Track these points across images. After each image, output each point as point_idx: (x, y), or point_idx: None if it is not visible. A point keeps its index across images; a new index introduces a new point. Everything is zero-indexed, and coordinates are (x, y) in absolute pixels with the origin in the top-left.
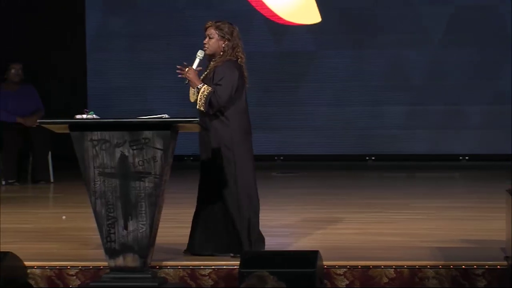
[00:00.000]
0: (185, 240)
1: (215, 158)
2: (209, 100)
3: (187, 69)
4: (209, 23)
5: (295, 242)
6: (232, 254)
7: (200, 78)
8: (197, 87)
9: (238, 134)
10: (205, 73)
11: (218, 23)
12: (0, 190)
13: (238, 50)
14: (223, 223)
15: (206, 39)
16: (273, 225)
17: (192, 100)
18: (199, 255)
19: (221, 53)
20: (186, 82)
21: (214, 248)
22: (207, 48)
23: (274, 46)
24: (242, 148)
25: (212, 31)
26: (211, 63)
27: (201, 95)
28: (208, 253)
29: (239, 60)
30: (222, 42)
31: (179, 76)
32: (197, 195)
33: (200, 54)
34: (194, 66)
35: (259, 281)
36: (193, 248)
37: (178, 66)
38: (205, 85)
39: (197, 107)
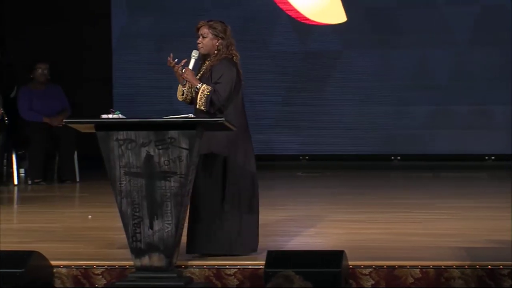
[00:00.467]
0: None
1: (214, 157)
2: (210, 99)
3: (183, 70)
4: (201, 23)
5: (320, 242)
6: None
7: (197, 78)
8: (196, 87)
9: (237, 133)
10: (201, 73)
11: (210, 22)
12: (26, 189)
13: (232, 48)
14: (220, 221)
15: (200, 39)
16: (298, 225)
17: (180, 99)
18: (202, 254)
19: (216, 52)
20: (184, 83)
21: (214, 248)
22: (202, 47)
23: (299, 45)
24: (241, 147)
25: (205, 30)
26: (206, 62)
27: (201, 95)
28: (208, 252)
29: (234, 58)
30: (216, 40)
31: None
32: (192, 194)
33: (195, 54)
34: (190, 66)
35: (286, 281)
36: (194, 248)
37: (169, 59)
38: (205, 85)
39: (197, 106)
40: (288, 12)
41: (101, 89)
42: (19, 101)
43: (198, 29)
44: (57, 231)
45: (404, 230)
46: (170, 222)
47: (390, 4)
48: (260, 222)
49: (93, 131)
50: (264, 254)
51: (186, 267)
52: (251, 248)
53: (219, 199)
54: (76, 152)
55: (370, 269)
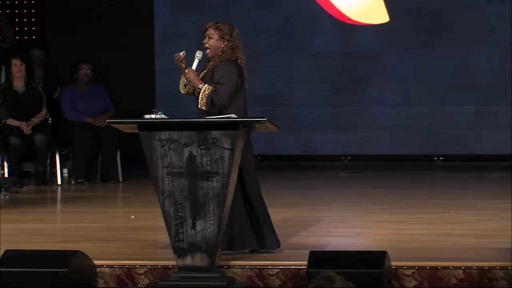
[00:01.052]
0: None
1: None
2: (211, 99)
3: (186, 70)
4: (209, 24)
5: (362, 242)
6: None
7: (199, 78)
8: (198, 87)
9: None
10: (204, 72)
11: (218, 24)
12: (69, 189)
13: (238, 51)
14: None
15: (206, 39)
16: (340, 225)
17: (182, 91)
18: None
19: (220, 53)
20: (187, 83)
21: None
22: (207, 47)
23: (340, 46)
24: (248, 147)
25: (212, 31)
26: (210, 62)
27: (202, 95)
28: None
29: (239, 61)
30: (221, 42)
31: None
32: None
33: (198, 54)
34: (194, 66)
35: (327, 281)
36: None
37: (179, 54)
38: (206, 85)
39: (199, 106)
40: (330, 12)
41: (144, 90)
42: (62, 102)
43: (205, 30)
44: (100, 231)
45: (447, 230)
46: (212, 222)
47: (432, 4)
48: (302, 222)
49: (136, 131)
50: (304, 254)
51: (229, 267)
52: (251, 247)
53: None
54: (118, 152)
55: (413, 270)
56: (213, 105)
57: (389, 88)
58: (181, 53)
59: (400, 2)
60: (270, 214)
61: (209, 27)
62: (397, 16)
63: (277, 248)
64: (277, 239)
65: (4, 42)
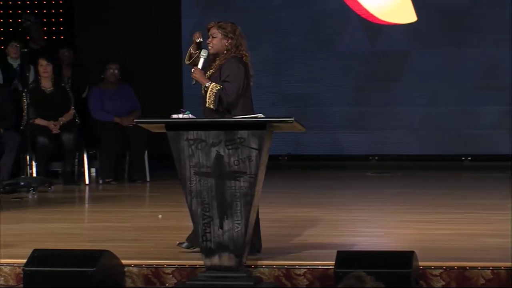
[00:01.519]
0: (283, 239)
1: None
2: (219, 97)
3: (193, 69)
4: (211, 24)
5: (390, 242)
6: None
7: (206, 77)
8: (204, 86)
9: None
10: (210, 71)
11: (220, 23)
12: (97, 188)
13: (242, 48)
14: None
15: (209, 39)
16: (367, 225)
17: (187, 62)
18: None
19: (225, 51)
20: (194, 82)
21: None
22: (211, 47)
23: (368, 45)
24: None
25: (215, 31)
26: (216, 62)
27: (209, 93)
28: None
29: (244, 58)
30: (225, 41)
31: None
32: None
33: (204, 53)
34: (200, 65)
35: (357, 281)
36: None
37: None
38: (213, 83)
39: (206, 105)
40: (358, 12)
41: (171, 89)
42: (90, 101)
43: (208, 29)
44: (128, 231)
45: (475, 230)
46: (239, 222)
47: (460, 4)
48: (329, 222)
49: (164, 131)
50: (332, 254)
51: (256, 267)
52: (256, 249)
53: None
54: (146, 152)
55: (441, 270)
56: (221, 103)
57: (417, 88)
58: (199, 35)
59: (428, 2)
60: (298, 214)
61: (211, 26)
62: (424, 15)
63: (260, 252)
64: (261, 242)
65: (33, 43)
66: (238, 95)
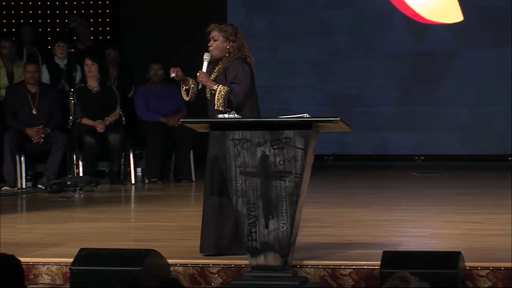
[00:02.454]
0: (328, 239)
1: None
2: (228, 99)
3: (198, 73)
4: (212, 26)
5: (436, 243)
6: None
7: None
8: (212, 89)
9: None
10: (215, 75)
11: (221, 26)
12: (143, 188)
13: (244, 50)
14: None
15: (211, 42)
16: (413, 225)
17: (186, 98)
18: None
19: (227, 54)
20: (195, 86)
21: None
22: (213, 50)
23: (413, 45)
24: None
25: (216, 34)
26: (218, 65)
27: (218, 96)
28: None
29: (247, 59)
30: (226, 43)
31: (172, 75)
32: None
33: (206, 56)
34: (204, 69)
35: (402, 281)
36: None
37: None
38: (221, 85)
39: (215, 107)
40: (403, 11)
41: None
42: (136, 101)
43: (209, 32)
44: (174, 230)
45: None
46: (285, 221)
47: (505, 3)
48: (376, 222)
49: (209, 130)
50: (377, 254)
51: (301, 266)
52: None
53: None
54: (192, 152)
55: (487, 271)
56: (231, 105)
57: (463, 88)
58: (175, 70)
59: (474, 1)
60: (343, 214)
61: (212, 29)
62: (470, 15)
63: None
64: None
65: (80, 43)
66: (245, 95)
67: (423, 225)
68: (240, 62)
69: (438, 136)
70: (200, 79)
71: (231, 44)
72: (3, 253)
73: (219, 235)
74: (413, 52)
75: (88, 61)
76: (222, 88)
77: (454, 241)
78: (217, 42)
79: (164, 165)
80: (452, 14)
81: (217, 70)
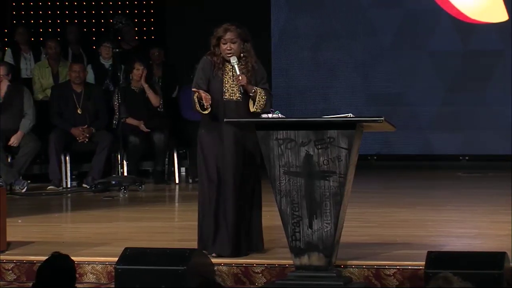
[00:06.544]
0: (372, 239)
1: (251, 157)
2: (270, 100)
3: (240, 77)
4: (228, 27)
5: (481, 243)
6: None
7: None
8: (251, 92)
9: None
10: (238, 75)
11: (231, 27)
12: (187, 188)
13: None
14: (245, 221)
15: (227, 45)
16: (459, 225)
17: (205, 112)
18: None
19: (246, 54)
20: (208, 107)
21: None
22: (233, 53)
23: (459, 45)
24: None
25: (232, 36)
26: (242, 65)
27: (259, 97)
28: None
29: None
30: (242, 43)
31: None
32: (215, 193)
33: (234, 60)
34: (238, 72)
35: (445, 282)
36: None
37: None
38: (257, 87)
39: (254, 109)
40: (449, 11)
41: None
42: (180, 101)
43: (222, 36)
44: None
45: None
46: (329, 221)
47: None
48: (421, 222)
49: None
50: (422, 254)
51: (345, 266)
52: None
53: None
54: None
55: None
56: (271, 105)
57: (509, 87)
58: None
59: None
60: (387, 214)
61: (228, 31)
62: None
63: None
64: (263, 242)
65: (124, 43)
66: None
67: (468, 226)
68: (260, 63)
69: (483, 135)
70: (242, 82)
71: (245, 44)
72: (58, 252)
73: (202, 235)
74: (459, 51)
75: (139, 66)
76: (260, 90)
77: (500, 241)
78: (236, 44)
79: None
80: (498, 14)
81: (239, 70)
